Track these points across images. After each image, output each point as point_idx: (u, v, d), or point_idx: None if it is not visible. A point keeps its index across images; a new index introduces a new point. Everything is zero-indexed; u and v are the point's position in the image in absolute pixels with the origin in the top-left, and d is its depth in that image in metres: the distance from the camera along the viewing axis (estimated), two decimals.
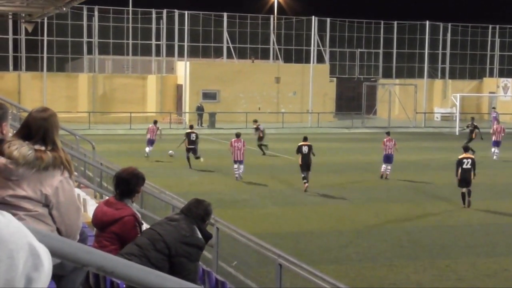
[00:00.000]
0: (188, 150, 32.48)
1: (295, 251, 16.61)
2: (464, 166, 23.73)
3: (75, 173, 17.50)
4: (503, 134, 38.92)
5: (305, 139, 27.94)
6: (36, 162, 4.96)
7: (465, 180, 23.69)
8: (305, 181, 26.73)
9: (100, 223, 7.10)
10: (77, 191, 11.89)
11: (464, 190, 23.74)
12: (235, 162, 29.24)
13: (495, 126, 40.71)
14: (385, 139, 30.72)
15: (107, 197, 10.86)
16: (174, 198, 15.50)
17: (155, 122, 37.21)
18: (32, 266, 1.80)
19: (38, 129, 5.11)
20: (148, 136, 35.91)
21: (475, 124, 41.62)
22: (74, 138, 20.11)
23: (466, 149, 24.63)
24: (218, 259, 13.13)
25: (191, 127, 34.69)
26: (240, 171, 29.16)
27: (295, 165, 33.66)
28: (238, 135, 30.03)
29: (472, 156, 24.19)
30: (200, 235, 6.83)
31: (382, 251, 17.86)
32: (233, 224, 14.02)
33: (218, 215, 13.69)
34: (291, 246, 17.54)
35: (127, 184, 7.09)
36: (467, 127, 42.54)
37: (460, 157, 24.11)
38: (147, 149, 35.71)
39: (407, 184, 28.78)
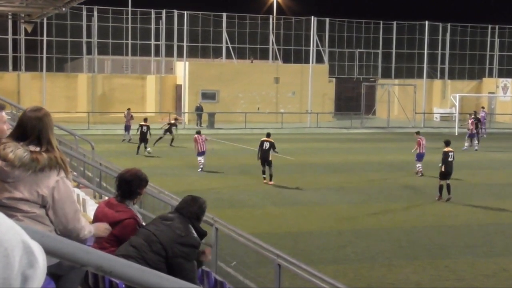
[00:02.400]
0: (140, 140, 37.33)
1: (294, 251, 16.64)
2: (449, 159, 24.70)
3: (74, 173, 17.51)
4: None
5: (268, 135, 29.25)
6: (32, 164, 4.94)
7: (449, 173, 24.63)
8: (264, 175, 28.22)
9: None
10: (77, 191, 11.89)
11: (442, 182, 24.69)
12: (200, 154, 31.61)
13: (469, 121, 43.40)
14: (418, 139, 31.58)
15: (106, 197, 10.86)
16: (173, 198, 15.49)
17: (129, 109, 45.71)
18: (27, 264, 1.81)
19: (33, 129, 5.09)
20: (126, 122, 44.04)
21: (478, 117, 43.81)
22: (73, 138, 20.10)
23: (447, 143, 25.44)
24: (217, 259, 13.13)
25: (145, 120, 38.61)
26: (203, 161, 31.65)
27: (294, 165, 33.77)
28: (198, 132, 32.88)
29: (452, 150, 25.23)
30: (195, 234, 6.82)
31: (381, 251, 17.88)
32: (232, 224, 14.01)
33: (217, 215, 13.70)
34: (290, 246, 17.56)
35: (129, 185, 7.03)
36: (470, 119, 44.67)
37: (445, 150, 25.07)
38: (126, 133, 43.16)
39: (406, 184, 28.79)
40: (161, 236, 6.63)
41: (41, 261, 1.87)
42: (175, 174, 30.46)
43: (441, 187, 24.71)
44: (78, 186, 14.53)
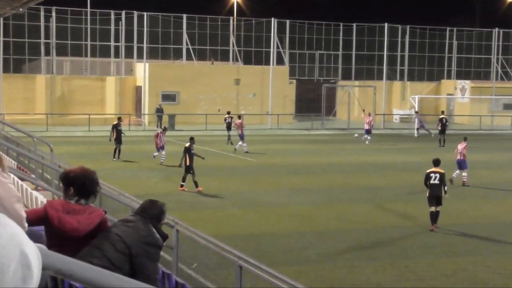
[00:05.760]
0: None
1: (256, 252, 16.61)
2: (432, 181, 21.02)
3: (33, 176, 17.28)
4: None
5: (191, 139, 27.68)
6: None
7: (434, 197, 20.96)
8: (184, 183, 27.06)
9: (75, 236, 6.56)
10: (35, 193, 11.72)
11: (433, 209, 20.99)
12: (161, 148, 34.17)
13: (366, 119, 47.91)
14: (459, 145, 30.02)
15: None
16: (133, 200, 15.36)
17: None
18: (21, 278, 1.69)
19: None
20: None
21: (446, 117, 45.89)
22: (31, 140, 19.89)
23: (435, 162, 21.61)
24: (178, 261, 13.05)
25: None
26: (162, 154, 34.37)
27: (255, 166, 33.77)
28: (165, 129, 36.54)
29: (441, 171, 21.24)
30: (158, 235, 6.78)
31: (342, 252, 17.94)
32: (193, 226, 13.95)
33: (178, 217, 13.62)
34: (251, 248, 17.53)
35: (85, 184, 6.75)
36: (440, 121, 46.74)
37: (428, 171, 21.52)
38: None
39: (366, 185, 28.92)
40: (124, 236, 6.55)
41: (35, 277, 1.74)
42: (136, 176, 30.27)
43: (431, 214, 20.99)
44: (36, 189, 14.33)
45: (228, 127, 45.41)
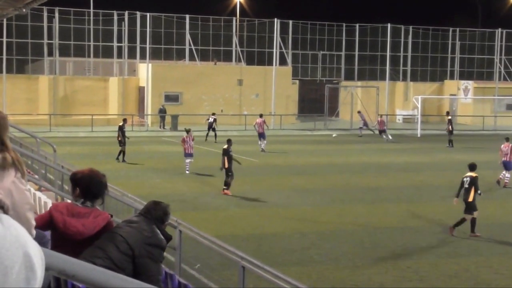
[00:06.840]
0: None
1: (258, 253, 16.62)
2: (465, 186, 20.38)
3: (36, 176, 17.31)
4: None
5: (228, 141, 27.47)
6: None
7: (464, 202, 20.34)
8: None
9: (79, 239, 6.51)
10: (38, 194, 11.76)
11: (474, 214, 20.10)
12: (188, 155, 31.39)
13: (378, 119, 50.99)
14: (502, 145, 29.63)
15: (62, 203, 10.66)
16: (136, 200, 15.38)
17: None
18: (24, 279, 1.70)
19: None
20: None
21: (450, 118, 47.18)
22: (34, 141, 19.89)
23: (470, 167, 20.79)
24: (181, 262, 13.07)
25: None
26: (188, 162, 31.47)
27: (257, 167, 33.77)
28: (188, 131, 32.41)
29: (473, 175, 20.39)
30: (161, 236, 6.79)
31: (345, 253, 17.95)
32: (196, 226, 13.96)
33: (180, 218, 13.64)
34: (254, 248, 17.55)
35: (89, 186, 6.76)
36: (449, 122, 46.73)
37: (463, 176, 20.86)
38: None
39: (369, 186, 28.92)
40: (127, 236, 6.57)
41: (39, 278, 1.74)
42: (138, 177, 30.28)
43: (461, 220, 20.18)
44: (39, 189, 14.36)
45: (209, 127, 46.59)
